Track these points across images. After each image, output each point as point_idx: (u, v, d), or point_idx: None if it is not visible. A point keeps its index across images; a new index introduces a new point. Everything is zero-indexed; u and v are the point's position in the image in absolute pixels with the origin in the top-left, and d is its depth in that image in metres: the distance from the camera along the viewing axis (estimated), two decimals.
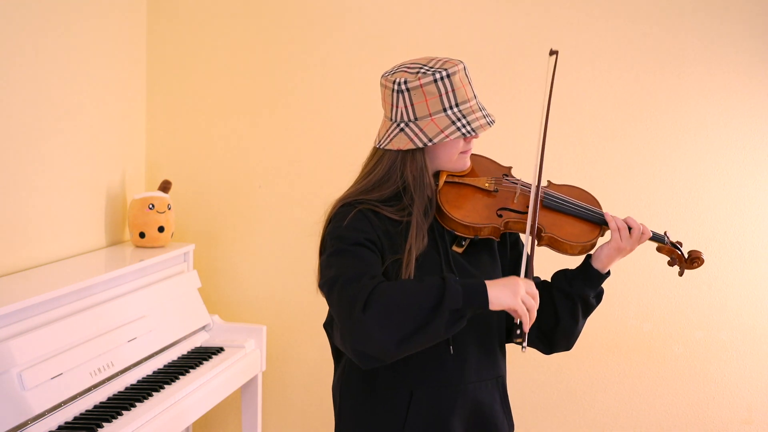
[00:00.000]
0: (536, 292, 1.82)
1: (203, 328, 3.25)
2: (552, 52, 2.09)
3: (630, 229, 1.99)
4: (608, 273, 2.02)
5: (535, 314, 1.80)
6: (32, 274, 2.80)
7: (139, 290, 2.95)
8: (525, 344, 1.82)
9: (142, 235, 3.28)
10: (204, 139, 3.59)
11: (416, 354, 1.88)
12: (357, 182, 1.98)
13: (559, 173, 3.34)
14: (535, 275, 2.11)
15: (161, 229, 3.29)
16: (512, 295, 1.77)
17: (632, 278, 3.32)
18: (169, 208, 3.34)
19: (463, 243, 1.97)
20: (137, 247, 3.31)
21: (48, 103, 2.96)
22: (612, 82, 3.32)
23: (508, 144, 3.35)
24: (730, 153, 3.29)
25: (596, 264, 2.01)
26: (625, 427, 3.40)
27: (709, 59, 3.27)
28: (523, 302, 1.79)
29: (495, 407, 1.99)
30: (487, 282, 1.78)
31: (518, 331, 1.81)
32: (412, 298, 1.74)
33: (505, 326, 2.06)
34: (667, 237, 2.06)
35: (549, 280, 2.06)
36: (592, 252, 2.02)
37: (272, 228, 3.55)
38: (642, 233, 1.99)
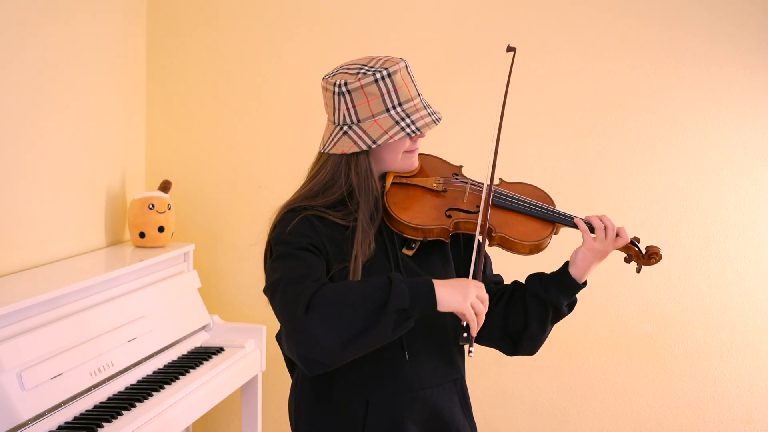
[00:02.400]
0: (486, 296, 1.76)
1: (203, 328, 3.25)
2: (509, 49, 2.02)
3: (605, 228, 1.88)
4: (585, 284, 1.94)
5: (483, 319, 1.75)
6: (32, 274, 2.80)
7: (139, 290, 2.95)
8: (472, 349, 1.77)
9: (142, 235, 3.28)
10: (204, 139, 3.59)
11: (371, 361, 1.84)
12: (301, 187, 1.94)
13: (556, 173, 3.35)
14: (496, 273, 2.08)
15: (161, 229, 3.29)
16: (462, 299, 1.72)
17: (632, 278, 3.32)
18: (169, 208, 3.34)
19: (413, 245, 1.92)
20: (137, 247, 3.31)
21: (48, 103, 2.96)
22: (609, 82, 3.32)
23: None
24: (730, 152, 3.29)
25: (573, 270, 1.92)
26: (625, 427, 3.40)
27: (709, 57, 3.26)
28: (473, 306, 1.73)
29: (454, 410, 1.94)
30: (435, 282, 1.73)
31: (464, 335, 1.77)
32: (356, 299, 1.69)
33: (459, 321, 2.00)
34: None
35: (522, 282, 2.00)
36: (541, 251, 1.95)
37: None
38: (618, 235, 1.89)
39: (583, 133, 3.35)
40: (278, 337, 1.96)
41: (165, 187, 3.39)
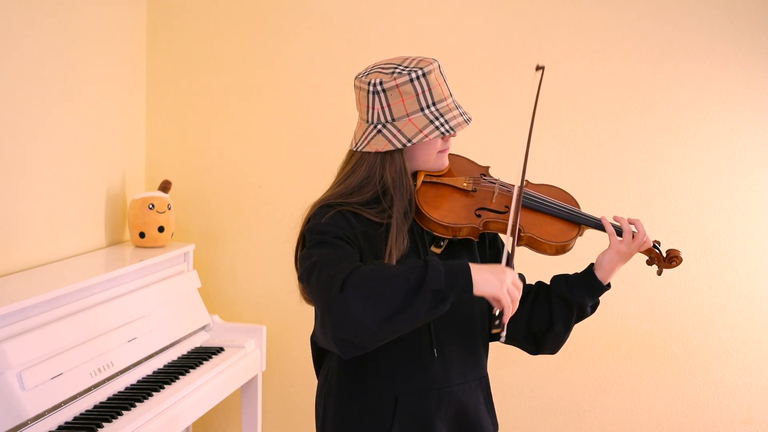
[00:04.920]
0: (521, 284, 1.78)
1: (203, 328, 3.25)
2: (538, 68, 2.05)
3: (633, 232, 1.95)
4: (609, 285, 1.99)
5: (517, 306, 1.75)
6: (32, 274, 2.80)
7: (139, 290, 2.95)
8: (504, 335, 1.77)
9: (142, 235, 3.28)
10: (204, 139, 3.59)
11: (400, 358, 1.86)
12: (334, 186, 1.95)
13: (556, 173, 3.35)
14: (518, 272, 2.11)
15: (161, 229, 3.29)
16: (498, 283, 1.72)
17: (632, 278, 3.32)
18: (169, 208, 3.34)
19: (442, 243, 1.94)
20: (137, 247, 3.31)
21: (48, 103, 2.96)
22: (609, 81, 3.32)
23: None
24: (731, 152, 3.29)
25: (599, 273, 1.97)
26: (625, 427, 3.40)
27: (709, 56, 3.26)
28: (508, 292, 1.73)
29: (480, 408, 1.97)
30: (472, 265, 1.72)
31: (497, 322, 1.77)
32: (393, 279, 1.69)
33: (486, 318, 2.02)
34: None
35: (546, 283, 2.04)
36: (566, 252, 1.98)
37: (272, 228, 3.55)
38: (645, 238, 1.95)
39: (583, 132, 3.35)
40: (313, 338, 1.98)
41: (165, 187, 3.39)
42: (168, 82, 3.59)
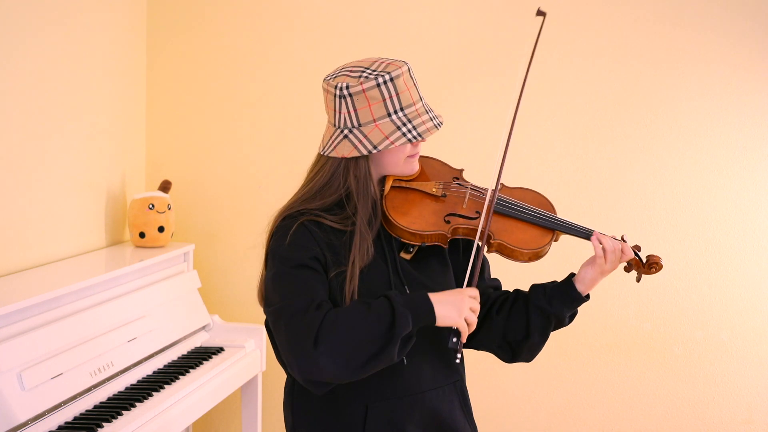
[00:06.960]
0: (478, 308, 1.81)
1: (203, 328, 3.25)
2: (539, 13, 1.98)
3: (621, 250, 1.91)
4: (588, 297, 1.95)
5: (474, 328, 1.80)
6: (32, 274, 2.80)
7: (139, 290, 2.95)
8: (459, 356, 1.82)
9: (142, 235, 3.28)
10: (204, 139, 3.59)
11: None
12: (300, 189, 1.93)
13: (557, 173, 3.35)
14: (494, 277, 2.08)
15: (161, 229, 3.29)
16: (457, 314, 1.77)
17: (632, 278, 3.32)
18: (169, 208, 3.34)
19: (411, 250, 1.92)
20: (137, 247, 3.31)
21: (48, 104, 2.96)
22: (609, 82, 3.32)
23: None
24: (730, 153, 3.28)
25: (580, 286, 1.93)
26: (625, 427, 3.40)
27: (709, 56, 3.26)
28: (466, 319, 1.78)
29: (455, 413, 1.94)
30: (433, 299, 1.76)
31: (454, 339, 1.80)
32: (363, 330, 1.72)
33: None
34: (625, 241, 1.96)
35: (525, 292, 1.99)
36: (539, 259, 1.94)
37: None
38: (623, 252, 1.92)
39: (583, 133, 3.35)
40: (267, 324, 1.92)
41: (165, 187, 3.39)
42: (168, 82, 3.59)
